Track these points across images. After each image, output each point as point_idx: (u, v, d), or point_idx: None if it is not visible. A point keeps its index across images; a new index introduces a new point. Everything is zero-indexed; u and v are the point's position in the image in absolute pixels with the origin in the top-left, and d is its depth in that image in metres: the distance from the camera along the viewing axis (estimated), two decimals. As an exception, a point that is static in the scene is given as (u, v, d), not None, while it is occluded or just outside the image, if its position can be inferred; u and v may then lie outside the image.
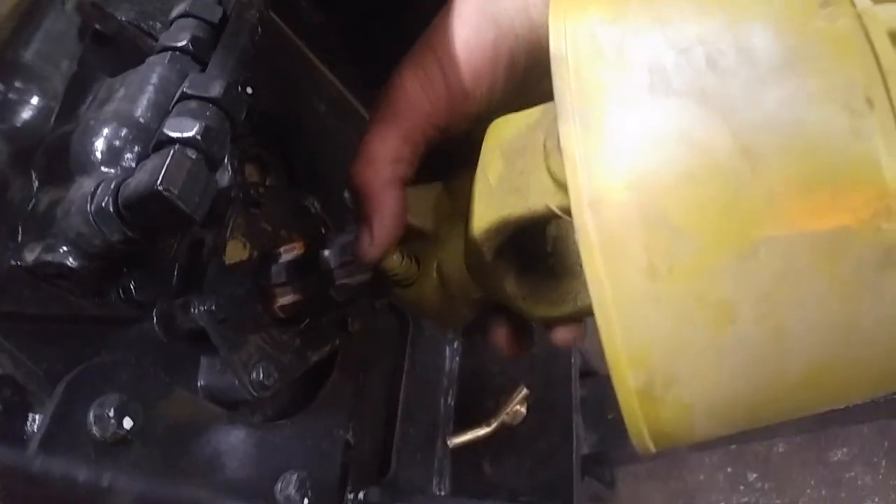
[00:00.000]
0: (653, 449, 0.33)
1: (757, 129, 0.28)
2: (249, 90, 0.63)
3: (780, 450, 1.54)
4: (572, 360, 0.86)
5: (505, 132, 0.43)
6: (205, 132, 0.40)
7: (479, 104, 0.47)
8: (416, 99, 0.47)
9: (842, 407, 0.34)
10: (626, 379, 0.30)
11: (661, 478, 1.54)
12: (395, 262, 0.48)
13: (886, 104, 0.28)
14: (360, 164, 0.48)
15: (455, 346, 0.90)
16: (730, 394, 0.31)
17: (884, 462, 1.44)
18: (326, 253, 0.53)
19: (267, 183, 0.66)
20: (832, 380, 0.30)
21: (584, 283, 0.46)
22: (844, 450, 1.50)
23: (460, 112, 0.47)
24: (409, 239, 0.49)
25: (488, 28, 0.46)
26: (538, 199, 0.39)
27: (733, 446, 1.58)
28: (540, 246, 0.50)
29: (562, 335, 0.49)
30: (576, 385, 0.84)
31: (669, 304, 0.29)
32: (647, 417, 0.32)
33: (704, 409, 0.31)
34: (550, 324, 0.49)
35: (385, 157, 0.47)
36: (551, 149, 0.38)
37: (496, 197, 0.41)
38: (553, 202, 0.38)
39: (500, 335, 0.52)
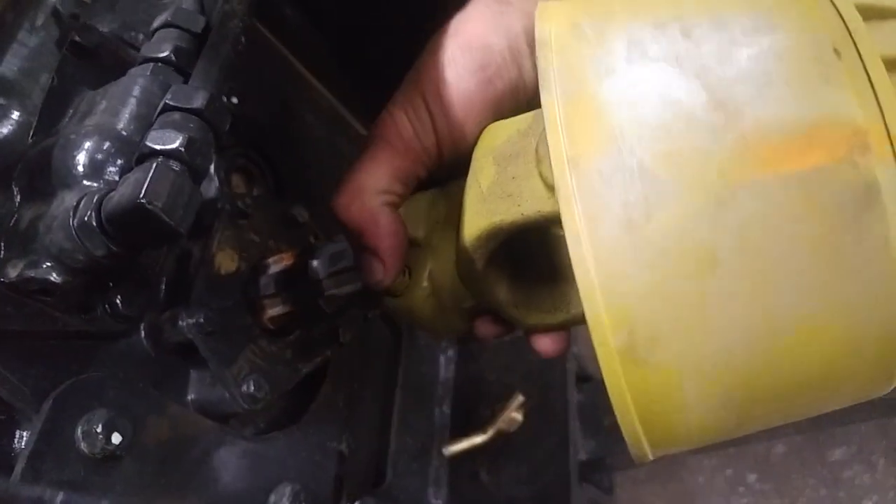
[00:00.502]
0: (641, 433, 0.32)
1: (730, 83, 0.29)
2: (235, 100, 0.63)
3: (780, 450, 1.54)
4: (568, 365, 0.85)
5: (496, 138, 0.43)
6: (188, 144, 0.39)
7: (468, 146, 0.46)
8: (409, 142, 0.47)
9: (841, 377, 0.32)
10: (608, 339, 0.30)
11: (661, 481, 1.53)
12: None
13: (854, 53, 0.29)
14: (347, 197, 0.47)
15: (449, 354, 0.90)
16: (718, 354, 0.30)
17: (882, 461, 1.44)
18: (315, 263, 0.53)
19: (254, 193, 0.66)
20: (825, 333, 0.29)
21: (573, 295, 0.47)
22: (843, 449, 1.50)
23: (449, 154, 0.47)
24: None
25: (475, 70, 0.46)
26: (530, 205, 0.39)
27: (732, 448, 1.58)
28: (532, 253, 0.49)
29: (545, 345, 0.48)
30: (572, 391, 0.83)
31: (648, 254, 0.29)
32: (632, 386, 0.30)
33: (693, 375, 0.30)
34: (539, 332, 0.49)
35: (374, 188, 0.46)
36: (543, 155, 0.38)
37: (488, 203, 0.41)
38: (545, 208, 0.38)
39: (485, 327, 0.51)
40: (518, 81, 0.46)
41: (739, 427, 0.33)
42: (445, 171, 0.49)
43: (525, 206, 0.39)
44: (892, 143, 0.28)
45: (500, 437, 0.79)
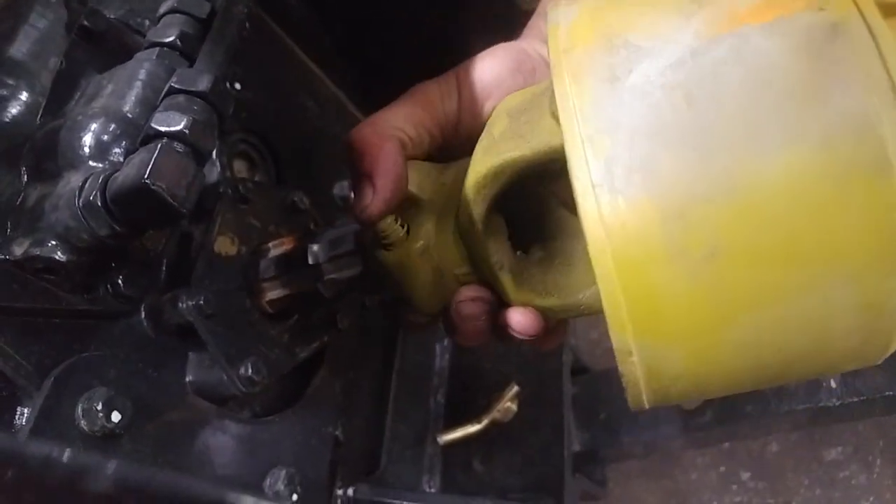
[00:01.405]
0: (620, 293, 0.30)
1: None
2: (238, 86, 0.63)
3: (774, 449, 1.53)
4: (563, 357, 0.86)
5: (512, 101, 0.45)
6: (192, 126, 0.40)
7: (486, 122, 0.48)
8: (433, 99, 0.50)
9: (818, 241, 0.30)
10: (586, 171, 0.30)
11: (654, 477, 1.54)
12: (386, 221, 0.47)
13: None
14: (362, 124, 0.49)
15: (445, 343, 0.90)
16: (696, 198, 0.29)
17: (879, 461, 1.43)
18: (315, 248, 0.53)
19: (256, 179, 0.66)
20: (808, 172, 0.28)
21: (570, 281, 0.47)
22: (839, 448, 1.49)
23: (467, 125, 0.50)
24: (403, 206, 0.48)
25: (509, 62, 0.51)
26: (539, 139, 0.40)
27: (726, 444, 1.58)
28: (533, 234, 0.50)
29: (518, 319, 0.47)
30: (567, 382, 0.84)
31: (629, 98, 0.31)
32: (607, 223, 0.30)
33: (672, 217, 0.29)
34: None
35: (388, 122, 0.48)
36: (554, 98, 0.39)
37: (499, 144, 0.42)
38: (554, 141, 0.38)
39: (469, 304, 0.49)
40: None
41: (730, 315, 0.31)
42: (459, 148, 0.51)
43: (534, 141, 0.41)
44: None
45: (495, 426, 0.80)
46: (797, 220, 0.29)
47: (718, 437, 0.85)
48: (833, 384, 0.71)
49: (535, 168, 0.42)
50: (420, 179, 0.49)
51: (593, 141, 0.31)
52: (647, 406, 0.34)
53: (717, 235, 0.29)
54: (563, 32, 0.36)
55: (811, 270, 0.30)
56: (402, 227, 0.48)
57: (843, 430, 1.51)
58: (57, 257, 0.40)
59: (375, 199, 0.46)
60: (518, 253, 0.49)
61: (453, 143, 0.51)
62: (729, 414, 0.77)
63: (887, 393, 0.69)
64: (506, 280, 0.47)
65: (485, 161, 0.43)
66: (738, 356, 0.32)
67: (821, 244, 0.29)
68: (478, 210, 0.44)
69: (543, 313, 0.47)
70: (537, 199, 0.49)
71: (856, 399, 0.70)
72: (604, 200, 0.30)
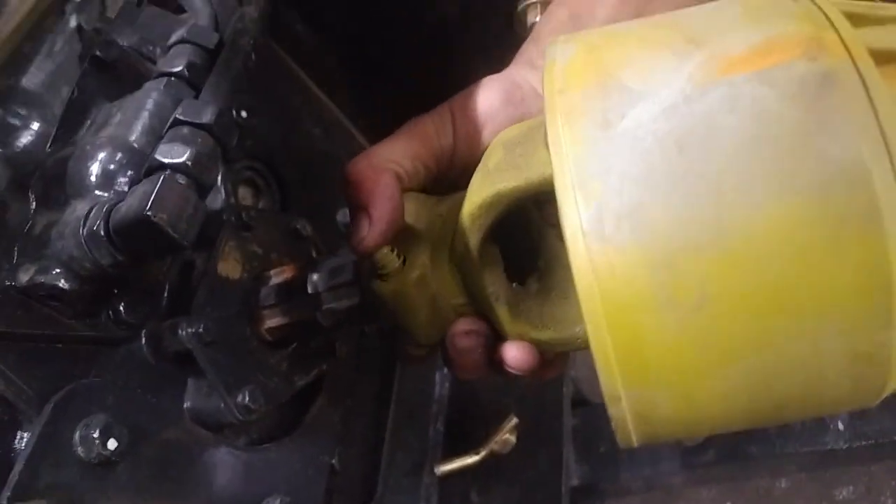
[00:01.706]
0: (607, 334, 0.30)
1: (700, 26, 0.34)
2: (244, 113, 0.64)
3: (784, 485, 1.51)
4: (564, 389, 0.86)
5: (508, 134, 0.46)
6: (195, 158, 0.41)
7: (482, 154, 0.48)
8: (429, 132, 0.51)
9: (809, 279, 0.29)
10: (576, 216, 0.30)
11: (657, 510, 1.52)
12: (382, 251, 0.47)
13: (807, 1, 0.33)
14: (358, 157, 0.49)
15: (445, 372, 0.90)
16: (686, 245, 0.29)
17: (890, 502, 1.41)
18: (315, 276, 0.54)
19: (259, 206, 0.67)
20: (797, 220, 0.28)
21: (566, 314, 0.48)
22: (850, 488, 1.46)
23: (462, 158, 0.50)
24: (399, 237, 0.49)
25: (501, 93, 0.51)
26: (535, 170, 0.41)
27: (734, 482, 1.56)
28: (529, 267, 0.50)
29: (513, 354, 0.47)
30: (567, 415, 0.84)
31: (620, 144, 0.31)
32: (597, 270, 0.30)
33: (661, 265, 0.29)
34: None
35: (384, 156, 0.49)
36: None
37: (494, 175, 0.43)
38: (549, 171, 0.37)
39: (464, 336, 0.49)
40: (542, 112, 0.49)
41: (719, 363, 0.30)
42: (454, 180, 0.51)
43: (529, 172, 0.41)
44: (846, 46, 0.30)
45: (493, 458, 0.80)
46: (787, 271, 0.29)
47: (720, 475, 0.84)
48: (840, 426, 0.70)
49: (530, 198, 0.42)
50: (416, 211, 0.49)
51: (584, 187, 0.31)
52: (635, 445, 0.34)
53: (706, 285, 0.29)
54: (558, 71, 0.36)
55: (801, 321, 0.29)
56: (399, 257, 0.48)
57: (855, 471, 1.48)
58: (61, 285, 0.41)
59: (371, 230, 0.47)
60: (514, 285, 0.49)
61: (448, 175, 0.51)
62: (732, 453, 0.76)
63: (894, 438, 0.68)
64: (502, 312, 0.47)
65: (480, 191, 0.43)
66: (727, 401, 0.32)
67: (811, 295, 0.29)
68: (473, 240, 0.45)
69: (539, 346, 0.47)
70: (533, 231, 0.50)
71: (864, 443, 0.68)
72: (593, 247, 0.30)
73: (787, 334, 0.30)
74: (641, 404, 0.32)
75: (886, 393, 0.32)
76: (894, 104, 0.29)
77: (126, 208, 0.39)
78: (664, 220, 0.30)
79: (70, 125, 0.48)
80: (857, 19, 0.32)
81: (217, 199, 0.61)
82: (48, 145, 0.45)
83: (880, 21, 0.33)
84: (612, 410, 0.32)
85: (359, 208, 0.48)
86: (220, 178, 0.61)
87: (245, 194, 0.68)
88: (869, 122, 0.28)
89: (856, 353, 0.30)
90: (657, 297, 0.30)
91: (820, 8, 0.32)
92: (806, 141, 0.29)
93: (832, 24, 0.31)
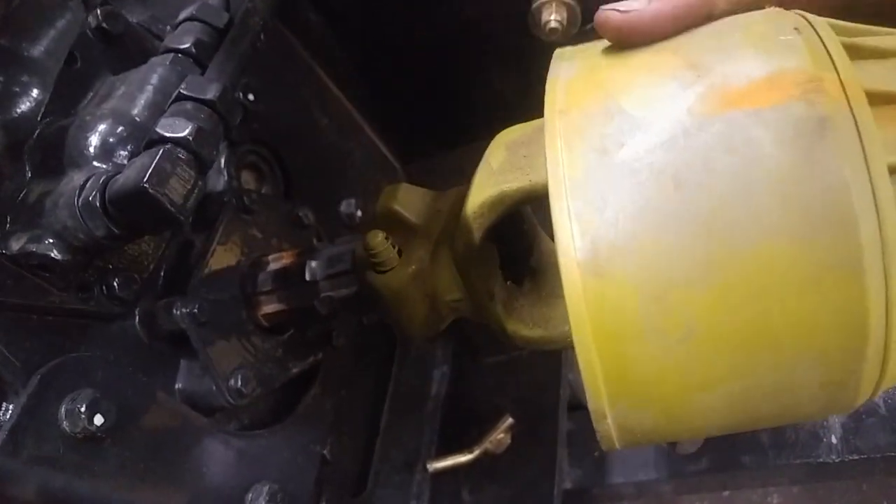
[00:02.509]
0: (596, 359, 0.31)
1: (703, 51, 0.34)
2: (251, 97, 0.63)
3: (775, 501, 1.51)
4: (561, 392, 0.85)
5: (510, 135, 0.45)
6: (196, 133, 0.40)
7: None
8: None
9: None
10: (572, 249, 0.31)
11: (648, 520, 1.51)
12: (379, 241, 0.47)
13: (812, 31, 0.33)
14: None
15: (443, 370, 0.89)
16: (676, 280, 0.30)
17: (881, 522, 1.40)
18: (313, 264, 0.53)
19: (262, 191, 0.66)
20: (784, 262, 0.29)
21: (557, 313, 0.47)
22: (842, 506, 1.46)
23: None
24: (396, 230, 0.49)
25: None
26: (538, 173, 0.41)
27: (726, 493, 1.55)
28: (524, 258, 0.50)
29: None
30: (563, 418, 0.82)
31: (617, 175, 0.31)
32: (589, 301, 0.30)
33: (651, 299, 0.30)
34: (516, 343, 0.48)
35: None
36: None
37: (497, 176, 0.43)
38: None
39: None
40: None
41: (701, 387, 0.32)
42: None
43: (533, 174, 0.41)
44: (844, 90, 0.30)
45: (486, 457, 0.79)
46: (771, 309, 0.30)
47: (713, 485, 0.83)
48: (834, 440, 0.69)
49: (532, 200, 0.42)
50: (413, 203, 0.49)
51: (581, 218, 0.31)
52: (618, 448, 0.36)
53: (693, 319, 0.30)
54: (560, 89, 0.36)
55: (781, 354, 0.31)
56: (395, 250, 0.48)
57: (847, 486, 1.48)
58: (52, 255, 0.40)
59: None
60: (508, 283, 0.49)
61: None
62: (725, 463, 0.75)
63: (889, 453, 0.67)
64: (496, 309, 0.47)
65: (483, 191, 0.43)
66: (706, 418, 0.33)
67: (792, 332, 0.30)
68: (473, 238, 0.45)
69: (530, 343, 0.48)
70: (527, 231, 0.50)
71: (856, 457, 0.68)
72: (587, 278, 0.31)
73: (766, 365, 0.31)
74: (625, 420, 0.33)
75: (854, 408, 0.34)
76: (887, 153, 0.29)
77: (123, 179, 0.38)
78: (656, 256, 0.30)
79: (72, 96, 0.47)
80: (858, 52, 0.33)
81: (220, 181, 0.61)
82: (40, 113, 0.44)
83: (882, 55, 0.33)
84: (597, 426, 0.34)
85: None
86: (223, 160, 0.61)
87: (248, 179, 0.68)
88: (860, 173, 0.29)
89: (829, 381, 0.31)
90: (645, 327, 0.31)
91: (822, 41, 0.32)
92: (798, 187, 0.29)
93: (832, 62, 0.31)
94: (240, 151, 0.64)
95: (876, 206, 0.29)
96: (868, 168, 0.29)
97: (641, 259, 0.30)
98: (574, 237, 0.31)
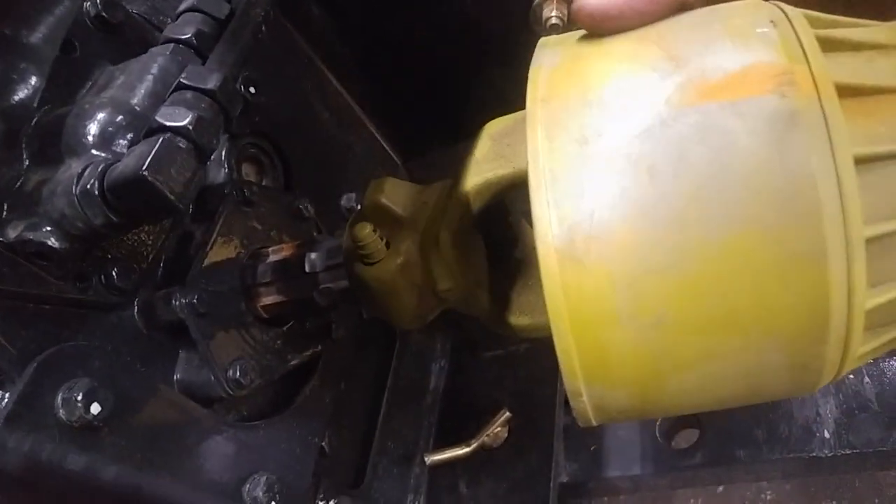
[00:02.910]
0: (573, 345, 0.32)
1: (682, 43, 0.35)
2: (252, 90, 0.63)
3: (769, 497, 1.52)
4: (559, 386, 0.85)
5: (494, 126, 0.46)
6: (197, 123, 0.40)
7: None
8: None
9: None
10: (549, 236, 0.32)
11: (645, 516, 1.52)
12: (366, 234, 0.47)
13: (787, 25, 0.34)
14: None
15: (442, 363, 0.89)
16: (650, 268, 0.31)
17: (871, 519, 1.41)
18: (313, 256, 0.53)
19: (263, 184, 0.66)
20: (754, 254, 0.31)
21: (541, 302, 0.48)
22: (833, 503, 1.47)
23: None
24: (384, 223, 0.49)
25: None
26: (522, 160, 0.41)
27: (720, 489, 1.56)
28: (509, 250, 0.51)
29: None
30: (560, 412, 0.82)
31: (595, 163, 0.32)
32: (566, 287, 0.32)
33: (625, 286, 0.31)
34: (503, 333, 0.49)
35: None
36: None
37: (481, 164, 0.44)
38: None
39: None
40: None
41: (673, 370, 0.33)
42: None
43: (516, 162, 0.42)
44: (815, 83, 0.31)
45: (484, 451, 0.79)
46: (739, 296, 0.31)
47: (708, 479, 0.83)
48: (826, 434, 0.70)
49: (516, 186, 0.43)
50: (400, 197, 0.49)
51: (559, 206, 0.32)
52: (594, 425, 0.37)
53: (665, 305, 0.32)
54: (543, 78, 0.37)
55: (748, 338, 0.32)
56: (382, 242, 0.48)
57: (840, 483, 1.49)
58: (50, 243, 0.40)
59: None
60: (496, 273, 0.50)
61: None
62: (719, 457, 0.75)
63: (881, 448, 0.68)
64: (482, 297, 0.48)
65: (468, 180, 0.44)
66: (678, 397, 0.35)
67: (759, 316, 0.32)
68: (459, 228, 0.45)
69: (516, 332, 0.49)
70: (512, 223, 0.51)
71: (848, 451, 0.68)
72: (564, 266, 0.32)
73: (735, 348, 0.32)
74: (600, 399, 0.35)
75: (817, 389, 0.36)
76: (854, 144, 0.30)
77: (122, 167, 0.38)
78: (631, 245, 0.31)
79: (70, 85, 0.47)
80: (832, 44, 0.33)
81: (220, 173, 0.61)
82: (37, 100, 0.44)
83: (856, 47, 0.34)
84: (573, 404, 0.35)
85: None
86: (224, 152, 0.61)
87: (249, 171, 0.68)
88: (826, 163, 0.30)
89: (794, 364, 0.33)
90: (620, 313, 0.32)
91: (796, 34, 0.33)
92: (768, 177, 0.30)
93: (805, 56, 0.32)
94: (240, 144, 0.64)
95: (840, 195, 0.30)
96: (834, 159, 0.30)
97: (617, 247, 0.31)
98: (552, 224, 0.32)
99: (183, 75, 0.42)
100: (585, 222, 0.32)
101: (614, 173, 0.32)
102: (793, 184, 0.30)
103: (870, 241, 0.30)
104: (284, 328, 0.59)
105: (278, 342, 0.58)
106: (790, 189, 0.30)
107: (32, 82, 0.44)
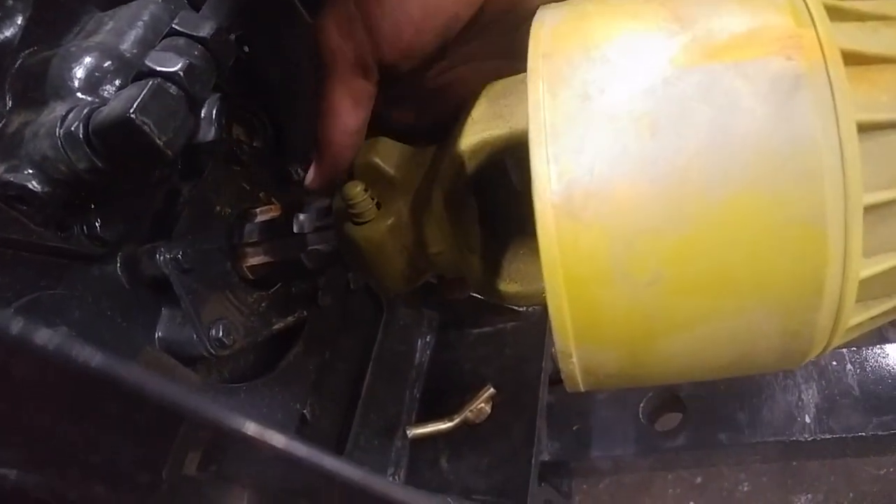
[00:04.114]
0: (566, 304, 0.32)
1: (689, 4, 0.34)
2: (246, 49, 0.62)
3: (746, 489, 1.53)
4: (544, 364, 0.85)
5: (492, 88, 0.45)
6: (188, 69, 0.39)
7: (415, 35, 0.42)
8: (336, 49, 0.44)
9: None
10: (547, 190, 0.31)
11: (623, 504, 1.53)
12: (357, 192, 0.46)
13: None
14: (323, 120, 0.47)
15: (428, 339, 0.89)
16: (647, 226, 0.31)
17: (847, 512, 1.43)
18: (301, 217, 0.52)
19: (254, 145, 0.65)
20: (753, 217, 0.30)
21: (533, 270, 0.48)
22: (809, 496, 1.49)
23: (392, 47, 0.43)
24: (376, 184, 0.48)
25: None
26: (518, 120, 0.42)
27: (699, 479, 1.58)
28: (503, 221, 0.50)
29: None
30: (544, 390, 0.82)
31: (597, 120, 0.32)
32: (562, 243, 0.31)
33: (622, 244, 0.31)
34: (493, 299, 0.49)
35: (346, 131, 0.46)
36: None
37: (478, 124, 0.43)
38: None
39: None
40: None
41: (664, 332, 0.33)
42: (412, 66, 0.45)
43: (513, 122, 0.42)
44: (822, 48, 0.31)
45: (466, 426, 0.79)
46: (736, 257, 0.31)
47: (689, 461, 0.84)
48: (808, 419, 0.71)
49: (511, 148, 0.42)
50: (394, 158, 0.48)
51: (559, 161, 0.31)
52: (582, 391, 0.37)
53: (661, 264, 0.31)
54: (545, 34, 0.36)
55: (742, 301, 0.32)
56: (373, 202, 0.47)
57: (815, 477, 1.51)
58: (31, 186, 0.39)
59: (318, 166, 0.47)
60: (488, 239, 0.49)
61: (393, 62, 0.44)
62: (702, 440, 0.76)
63: (860, 433, 0.68)
64: (474, 262, 0.47)
65: (464, 139, 0.43)
66: (668, 363, 0.35)
67: (754, 279, 0.31)
68: (452, 190, 0.44)
69: (506, 298, 0.48)
70: (507, 195, 0.50)
71: (828, 436, 0.69)
72: (561, 222, 0.31)
73: (728, 311, 0.32)
74: (590, 362, 0.34)
75: (806, 361, 0.35)
76: (857, 111, 0.30)
77: (109, 110, 0.37)
78: (630, 202, 0.31)
79: (57, 28, 0.45)
80: (839, 13, 0.33)
81: (210, 132, 0.59)
82: (18, 40, 0.43)
83: (861, 17, 0.34)
84: (563, 365, 0.35)
85: (318, 150, 0.48)
86: (215, 111, 0.60)
87: (239, 132, 0.66)
88: (830, 128, 0.30)
89: (785, 330, 0.33)
90: (614, 271, 0.31)
91: (804, 1, 0.33)
92: (770, 139, 0.30)
93: (812, 21, 0.32)
94: (232, 104, 0.63)
95: (843, 161, 0.30)
96: (837, 123, 0.30)
97: (615, 203, 0.31)
98: (550, 179, 0.31)
99: (175, 21, 0.41)
100: (585, 178, 0.31)
101: (616, 130, 0.31)
102: (795, 146, 0.30)
103: (867, 210, 0.30)
104: (270, 291, 0.58)
105: (263, 305, 0.57)
106: (792, 151, 0.30)
107: (19, 22, 0.43)
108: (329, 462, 0.29)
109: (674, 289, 0.32)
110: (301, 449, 0.28)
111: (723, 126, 0.30)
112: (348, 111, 0.46)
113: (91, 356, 0.22)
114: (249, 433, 0.27)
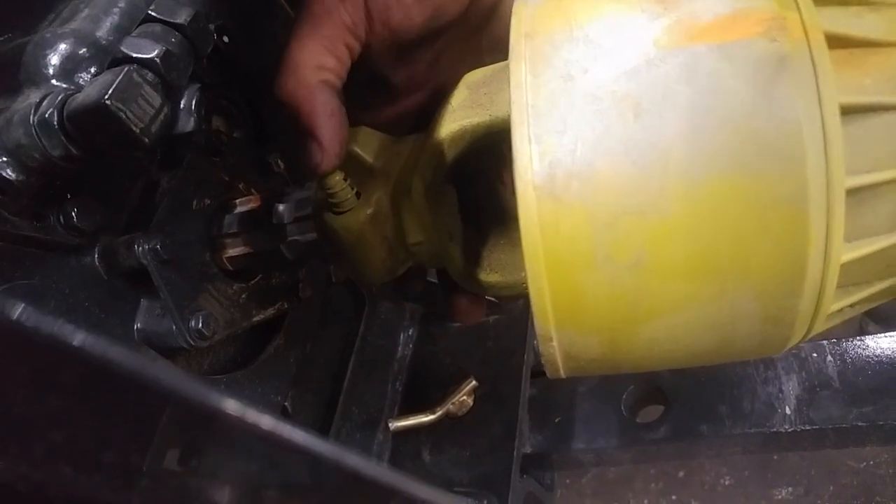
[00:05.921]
0: (546, 286, 0.32)
1: None
2: (226, 39, 0.62)
3: (727, 482, 1.55)
4: (525, 357, 0.85)
5: (473, 76, 0.45)
6: (164, 56, 0.38)
7: (404, 19, 0.44)
8: (332, 6, 0.44)
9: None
10: (528, 171, 0.31)
11: (605, 499, 1.54)
12: (336, 181, 0.46)
13: None
14: (284, 76, 0.45)
15: (410, 332, 0.89)
16: (630, 209, 0.30)
17: (825, 504, 1.45)
18: (281, 207, 0.52)
19: (233, 135, 0.65)
20: (736, 199, 0.30)
21: (513, 260, 0.48)
22: (789, 489, 1.51)
23: (382, 25, 0.45)
24: (355, 173, 0.47)
25: None
26: (498, 108, 0.41)
27: (681, 474, 1.59)
28: (483, 213, 0.50)
29: (463, 305, 0.50)
30: (526, 383, 0.83)
31: (579, 101, 0.31)
32: (544, 225, 0.31)
33: (604, 226, 0.31)
34: (471, 289, 0.49)
35: (307, 63, 0.44)
36: None
37: (458, 112, 0.43)
38: None
39: (460, 302, 0.53)
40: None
41: (646, 316, 0.33)
42: (386, 49, 0.46)
43: (493, 109, 0.42)
44: (805, 30, 0.31)
45: (448, 419, 0.79)
46: (717, 241, 0.31)
47: (670, 453, 0.84)
48: (788, 410, 0.71)
49: (491, 137, 0.42)
50: (375, 148, 0.48)
51: (540, 141, 0.31)
52: (563, 377, 0.37)
53: (643, 247, 0.31)
54: (527, 14, 0.36)
55: (724, 285, 0.32)
56: (353, 190, 0.47)
57: (796, 471, 1.53)
58: (5, 174, 0.38)
59: (325, 155, 0.44)
60: (469, 229, 0.50)
61: (375, 40, 0.46)
62: (683, 432, 0.76)
63: (840, 425, 0.69)
64: (454, 252, 0.47)
65: (443, 127, 0.43)
66: (649, 348, 0.34)
67: (736, 263, 0.31)
68: (433, 178, 0.44)
69: (486, 289, 0.48)
70: (487, 186, 0.51)
71: (808, 427, 0.69)
72: (542, 203, 0.31)
73: (709, 295, 0.32)
74: (571, 346, 0.34)
75: (787, 347, 0.36)
76: (840, 93, 0.30)
77: (83, 97, 0.36)
78: (612, 184, 0.31)
79: (31, 15, 0.45)
80: None
81: (189, 122, 0.59)
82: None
83: (845, 3, 0.34)
84: (543, 349, 0.35)
85: (305, 134, 0.45)
86: (194, 101, 0.59)
87: (219, 123, 0.66)
88: (813, 110, 0.30)
89: (766, 316, 0.33)
90: (596, 254, 0.31)
91: None
92: (753, 121, 0.30)
93: (797, 4, 0.32)
94: (212, 94, 0.62)
95: (825, 143, 0.30)
96: (820, 105, 0.30)
97: (597, 185, 0.31)
98: (532, 160, 0.31)
99: (152, 7, 0.41)
100: (567, 158, 0.31)
101: (598, 111, 0.31)
102: (778, 128, 0.30)
103: (849, 193, 0.30)
104: (250, 283, 0.58)
105: (243, 296, 0.57)
106: (775, 133, 0.30)
107: (-10, 6, 0.42)
108: (353, 459, 0.28)
109: (655, 272, 0.31)
110: (305, 437, 0.27)
111: (706, 107, 0.30)
112: (320, 51, 0.44)
113: (71, 334, 0.21)
114: (234, 413, 0.26)
